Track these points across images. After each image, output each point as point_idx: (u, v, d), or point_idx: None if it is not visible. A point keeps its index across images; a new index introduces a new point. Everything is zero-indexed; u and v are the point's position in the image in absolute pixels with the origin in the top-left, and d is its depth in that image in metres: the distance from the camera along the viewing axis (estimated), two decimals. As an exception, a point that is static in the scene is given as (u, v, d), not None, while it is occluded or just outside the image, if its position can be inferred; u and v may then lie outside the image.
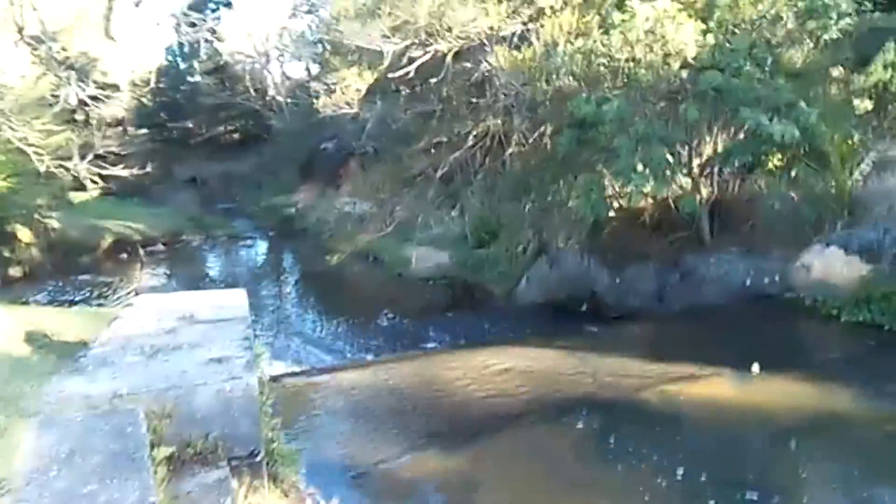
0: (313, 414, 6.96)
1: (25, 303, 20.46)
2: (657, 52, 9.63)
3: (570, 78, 10.06)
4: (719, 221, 12.59)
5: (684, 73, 9.64)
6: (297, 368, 10.79)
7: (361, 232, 15.28)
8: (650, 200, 12.67)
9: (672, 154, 10.17)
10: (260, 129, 46.10)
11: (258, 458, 4.32)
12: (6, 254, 24.36)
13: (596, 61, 9.92)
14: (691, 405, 7.25)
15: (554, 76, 10.14)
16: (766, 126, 9.04)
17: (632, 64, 9.74)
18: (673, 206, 12.39)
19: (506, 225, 16.31)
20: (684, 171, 10.44)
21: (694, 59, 9.66)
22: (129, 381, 4.40)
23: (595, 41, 9.88)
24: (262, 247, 34.16)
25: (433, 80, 12.44)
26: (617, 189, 11.58)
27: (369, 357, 11.63)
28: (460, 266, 20.60)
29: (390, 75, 12.01)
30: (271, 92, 47.64)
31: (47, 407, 4.06)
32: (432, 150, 15.64)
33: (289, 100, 40.27)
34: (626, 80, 9.91)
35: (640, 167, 9.45)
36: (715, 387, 7.65)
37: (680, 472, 6.02)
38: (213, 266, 29.82)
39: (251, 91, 46.92)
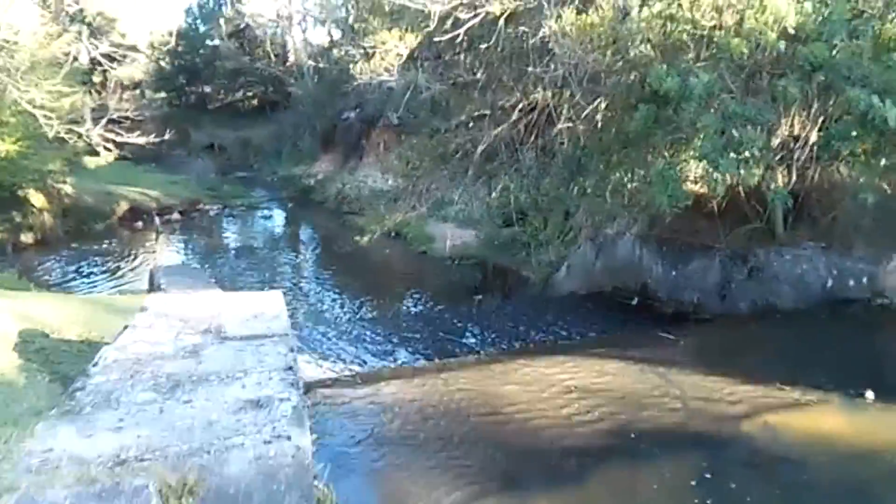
0: (355, 441, 5.85)
1: (34, 271, 19.56)
2: (752, 19, 8.33)
3: (647, 47, 8.77)
4: (795, 213, 11.31)
5: (782, 45, 8.36)
6: (325, 367, 9.72)
7: (392, 210, 14.06)
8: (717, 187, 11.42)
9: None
10: (280, 96, 44.95)
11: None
12: (18, 219, 23.52)
13: (678, 28, 8.64)
14: (804, 443, 6.07)
15: (628, 44, 8.85)
16: (879, 109, 7.79)
17: (721, 32, 8.47)
18: (743, 194, 11.15)
19: (546, 208, 15.12)
20: (769, 155, 9.17)
21: (794, 28, 8.37)
22: (138, 434, 3.28)
23: (678, 4, 8.58)
24: (280, 218, 33.16)
25: (483, 46, 11.14)
26: (693, 174, 10.33)
27: (400, 355, 10.52)
28: (489, 247, 19.47)
29: (436, 39, 10.73)
30: (292, 58, 46.36)
31: (24, 477, 2.95)
32: (470, 125, 14.35)
33: (311, 65, 38.92)
34: (713, 51, 8.64)
35: (727, 151, 8.22)
36: (827, 418, 6.47)
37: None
38: (231, 237, 28.85)
39: (271, 56, 45.68)
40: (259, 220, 32.83)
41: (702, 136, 8.44)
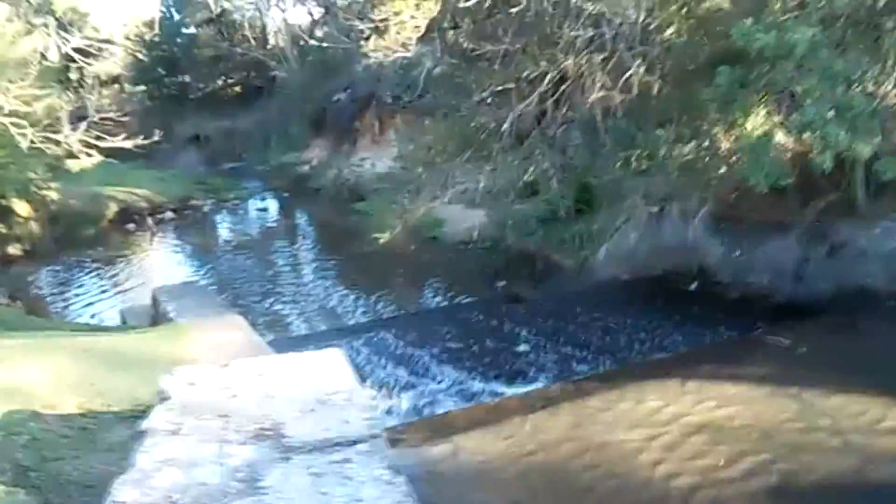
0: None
1: (24, 289, 18.15)
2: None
3: (723, -2, 7.39)
4: (877, 182, 9.95)
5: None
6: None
7: (413, 202, 12.69)
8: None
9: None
10: (263, 82, 43.18)
11: None
12: (3, 230, 22.09)
13: (760, -26, 7.27)
14: None
15: (701, -4, 7.47)
16: None
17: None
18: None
19: (586, 187, 13.82)
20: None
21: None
22: None
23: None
24: (276, 209, 31.72)
25: (511, 11, 9.70)
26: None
27: (448, 374, 9.13)
28: (508, 229, 18.05)
29: (460, 5, 9.30)
30: (273, 40, 44.45)
31: None
32: (489, 101, 12.93)
33: (296, 48, 37.18)
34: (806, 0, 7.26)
35: (831, 115, 6.89)
36: None
37: None
38: (228, 234, 27.45)
39: (251, 40, 43.77)
40: (255, 213, 31.55)
41: (805, 101, 7.05)
